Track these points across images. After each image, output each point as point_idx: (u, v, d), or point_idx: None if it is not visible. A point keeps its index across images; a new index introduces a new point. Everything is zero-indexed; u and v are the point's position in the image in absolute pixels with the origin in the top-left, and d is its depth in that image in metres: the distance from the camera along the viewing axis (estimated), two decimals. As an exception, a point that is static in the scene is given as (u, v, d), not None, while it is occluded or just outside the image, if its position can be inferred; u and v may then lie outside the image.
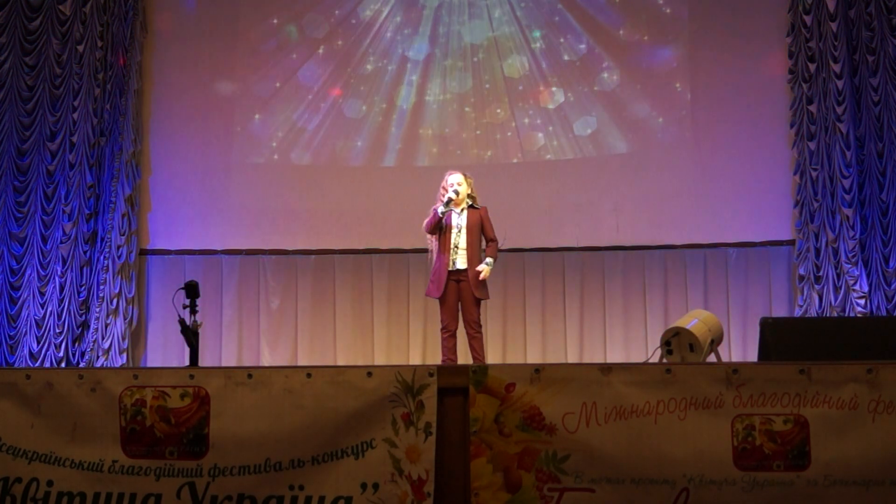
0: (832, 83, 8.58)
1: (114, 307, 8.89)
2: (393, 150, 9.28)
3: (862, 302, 8.33)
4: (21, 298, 8.94)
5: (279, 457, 4.03)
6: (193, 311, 5.52)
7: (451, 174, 7.00)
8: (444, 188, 6.96)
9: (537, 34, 9.26)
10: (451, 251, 6.86)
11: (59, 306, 8.87)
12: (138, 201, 9.14)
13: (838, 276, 8.48)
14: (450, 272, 6.85)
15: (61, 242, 8.94)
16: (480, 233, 6.93)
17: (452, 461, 4.01)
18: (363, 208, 9.14)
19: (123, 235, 8.98)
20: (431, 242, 6.98)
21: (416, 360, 8.83)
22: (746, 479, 3.79)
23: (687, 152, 9.02)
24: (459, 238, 6.85)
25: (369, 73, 9.33)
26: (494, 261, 6.94)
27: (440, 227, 6.89)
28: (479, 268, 6.85)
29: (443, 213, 6.84)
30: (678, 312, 8.15)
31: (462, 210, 6.93)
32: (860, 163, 8.59)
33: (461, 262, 6.85)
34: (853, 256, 8.43)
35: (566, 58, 9.21)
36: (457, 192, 6.87)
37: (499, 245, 7.05)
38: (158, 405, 4.11)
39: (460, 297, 6.87)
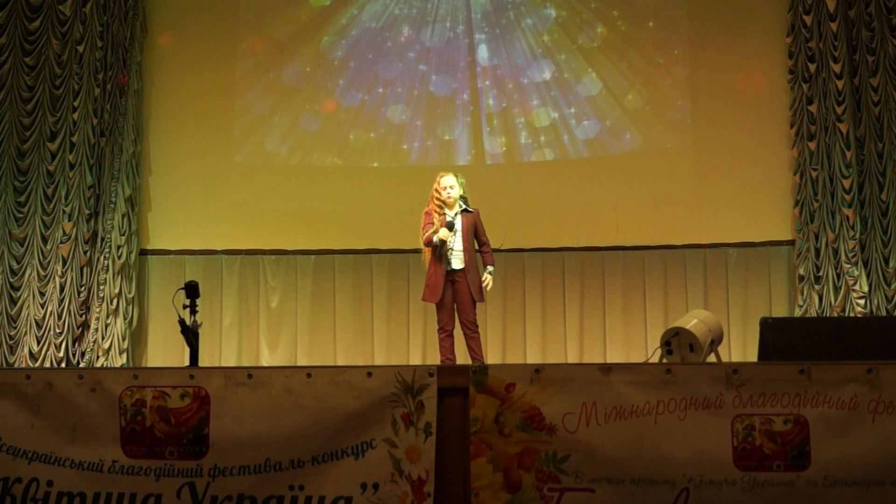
0: (832, 83, 8.58)
1: (114, 307, 8.89)
2: (393, 150, 9.29)
3: (862, 302, 8.33)
4: (21, 298, 8.94)
5: (279, 457, 4.03)
6: (193, 311, 5.52)
7: (443, 176, 6.97)
8: (436, 190, 6.94)
9: (535, 34, 9.27)
10: (447, 254, 6.85)
11: (59, 306, 8.87)
12: (138, 201, 9.14)
13: (838, 276, 8.49)
14: (446, 273, 6.85)
15: (61, 242, 8.94)
16: (474, 235, 6.94)
17: (452, 461, 4.00)
18: (363, 208, 9.14)
19: (123, 235, 8.98)
20: (424, 238, 6.95)
21: (416, 360, 8.83)
22: (746, 479, 3.79)
23: (687, 152, 9.03)
24: (454, 241, 6.85)
25: (369, 72, 9.33)
26: (494, 266, 6.99)
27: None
28: (485, 279, 6.88)
29: (440, 242, 6.80)
30: (678, 312, 8.14)
31: (456, 214, 6.92)
32: (860, 163, 8.59)
33: (457, 263, 6.85)
34: (853, 256, 8.43)
35: (565, 57, 9.21)
36: (451, 226, 6.80)
37: (499, 245, 7.07)
38: (158, 405, 4.11)
39: (456, 298, 6.87)
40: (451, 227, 6.75)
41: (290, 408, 4.05)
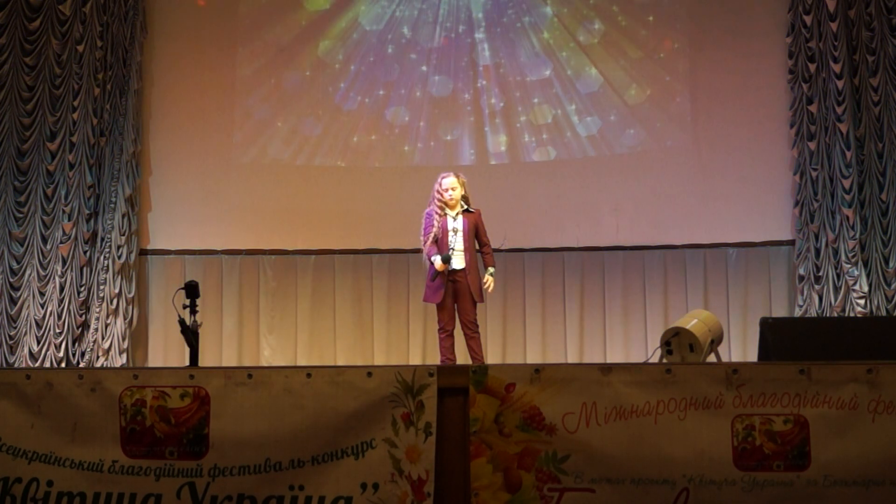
0: (832, 83, 8.58)
1: (114, 307, 8.89)
2: (393, 149, 9.29)
3: (862, 302, 8.33)
4: (21, 298, 8.93)
5: (279, 457, 4.03)
6: (193, 311, 5.52)
7: (444, 177, 6.96)
8: (438, 192, 6.94)
9: (536, 31, 9.26)
10: (448, 254, 6.85)
11: (59, 306, 8.87)
12: (138, 201, 9.14)
13: (838, 276, 8.48)
14: (447, 273, 6.85)
15: (61, 242, 8.94)
16: (475, 236, 6.94)
17: (452, 461, 4.00)
18: (363, 208, 9.13)
19: (123, 235, 8.98)
20: (425, 248, 6.95)
21: (415, 360, 8.83)
22: (746, 479, 3.79)
23: (687, 152, 9.02)
24: (456, 241, 6.85)
25: (368, 72, 9.33)
26: (495, 268, 7.00)
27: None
28: (486, 281, 6.89)
29: (439, 268, 6.83)
30: (678, 312, 8.14)
31: (457, 214, 6.92)
32: (860, 163, 8.58)
33: (457, 263, 6.85)
34: (853, 256, 8.43)
35: (566, 54, 9.21)
36: (447, 259, 6.80)
37: (499, 245, 7.08)
38: (158, 405, 4.11)
39: (457, 298, 6.87)
40: (446, 260, 6.78)
41: (290, 408, 4.05)
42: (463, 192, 6.95)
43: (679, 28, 9.14)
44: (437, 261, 6.78)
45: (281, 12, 9.41)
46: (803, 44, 8.70)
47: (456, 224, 6.89)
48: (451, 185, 6.90)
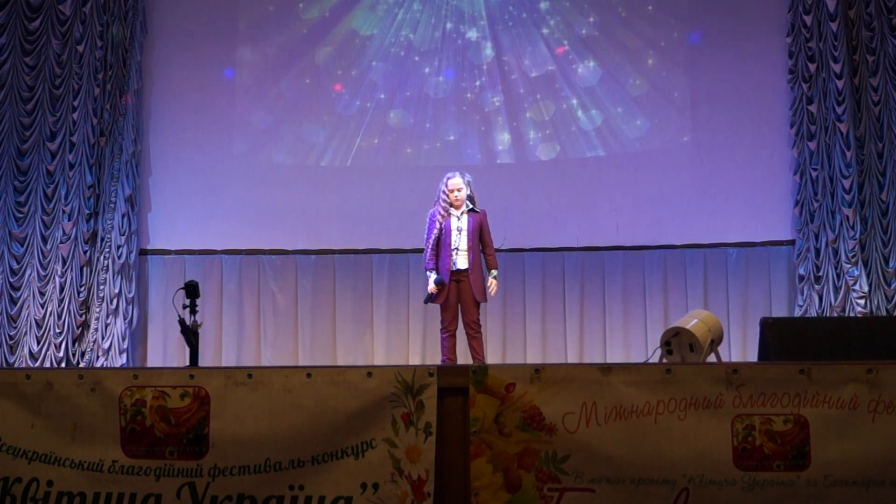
0: (832, 83, 8.58)
1: (114, 307, 8.89)
2: (393, 149, 9.29)
3: (862, 302, 8.33)
4: (21, 298, 8.94)
5: (279, 457, 4.03)
6: (193, 311, 5.52)
7: (450, 177, 6.98)
8: (444, 192, 6.95)
9: (537, 27, 9.26)
10: (452, 253, 6.86)
11: (59, 306, 8.87)
12: (138, 201, 9.14)
13: (838, 276, 8.48)
14: (450, 273, 6.87)
15: (61, 242, 8.94)
16: (479, 235, 6.96)
17: (452, 461, 4.00)
18: (363, 208, 9.13)
19: (123, 235, 8.98)
20: (428, 250, 6.96)
21: (415, 360, 8.83)
22: (746, 479, 3.78)
23: (687, 152, 9.02)
24: (460, 240, 6.86)
25: (369, 71, 9.33)
26: (498, 270, 7.02)
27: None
28: (490, 284, 6.93)
29: (428, 297, 6.89)
30: (678, 312, 8.15)
31: (462, 213, 6.93)
32: (860, 163, 8.59)
33: (461, 263, 6.87)
34: (853, 256, 8.43)
35: (566, 49, 9.21)
36: (441, 283, 6.83)
37: (499, 245, 7.10)
38: (158, 405, 4.11)
39: (460, 298, 6.89)
40: (439, 283, 6.80)
41: (290, 408, 4.05)
42: (468, 192, 6.98)
43: (679, 28, 9.13)
44: (431, 283, 6.82)
45: (280, 17, 9.41)
46: (803, 44, 8.70)
47: (460, 223, 6.91)
48: (456, 186, 6.93)
